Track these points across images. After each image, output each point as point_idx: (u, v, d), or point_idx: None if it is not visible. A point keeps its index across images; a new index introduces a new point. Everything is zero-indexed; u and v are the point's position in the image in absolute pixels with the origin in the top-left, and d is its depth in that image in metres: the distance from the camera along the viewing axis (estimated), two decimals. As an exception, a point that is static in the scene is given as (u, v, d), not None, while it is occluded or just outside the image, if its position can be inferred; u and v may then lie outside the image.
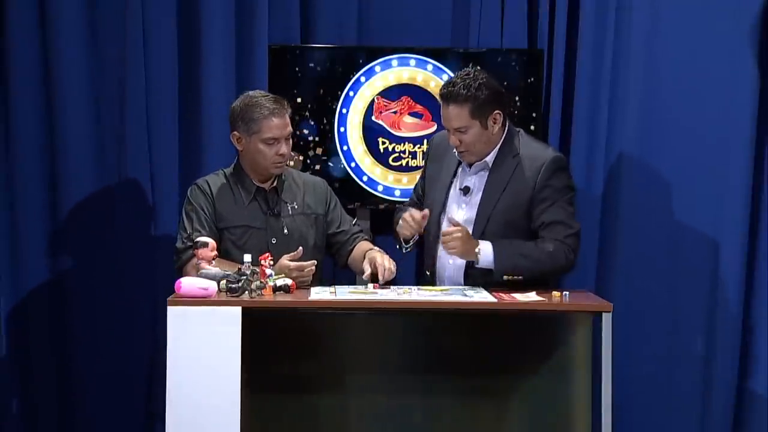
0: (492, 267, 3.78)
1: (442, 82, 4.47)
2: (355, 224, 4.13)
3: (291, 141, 3.98)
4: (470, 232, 3.84)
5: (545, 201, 3.85)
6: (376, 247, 4.00)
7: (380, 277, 3.77)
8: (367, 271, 3.81)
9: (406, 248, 3.96)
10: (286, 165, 4.03)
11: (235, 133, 3.95)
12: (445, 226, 3.90)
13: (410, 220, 3.87)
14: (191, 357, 3.46)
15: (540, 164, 3.87)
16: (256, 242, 3.90)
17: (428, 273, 3.98)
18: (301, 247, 3.82)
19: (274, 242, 3.93)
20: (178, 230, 3.96)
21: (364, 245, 4.03)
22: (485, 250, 3.78)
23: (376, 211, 4.57)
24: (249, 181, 3.98)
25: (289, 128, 3.94)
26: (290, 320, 3.71)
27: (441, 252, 3.93)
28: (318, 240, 4.03)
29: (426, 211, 3.88)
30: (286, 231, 3.97)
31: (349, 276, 4.30)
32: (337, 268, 4.57)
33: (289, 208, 4.00)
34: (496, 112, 3.87)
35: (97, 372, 4.53)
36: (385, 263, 3.80)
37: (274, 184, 4.00)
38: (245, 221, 3.94)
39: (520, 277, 3.79)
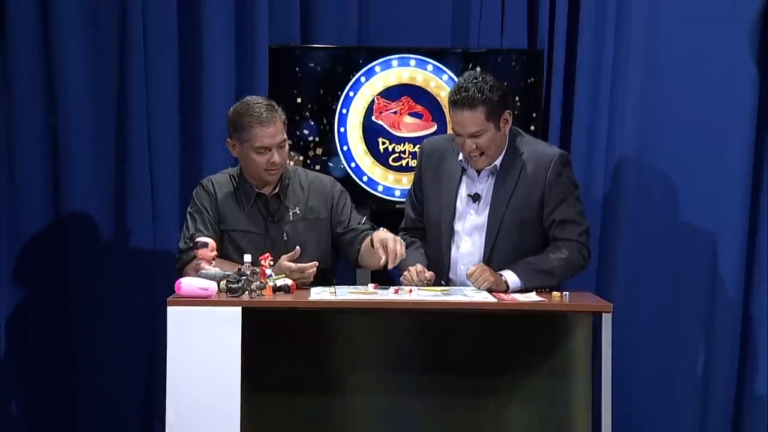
0: (521, 288, 3.81)
1: (443, 83, 4.50)
2: (364, 222, 4.07)
3: (286, 148, 3.94)
4: (482, 236, 3.90)
5: (555, 198, 3.88)
6: (383, 229, 3.90)
7: (390, 263, 3.73)
8: (383, 257, 3.73)
9: None
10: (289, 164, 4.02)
11: (229, 140, 3.95)
12: (455, 258, 3.94)
13: (414, 277, 3.84)
14: (191, 357, 3.46)
15: (548, 161, 3.90)
16: (254, 248, 3.86)
17: (443, 282, 3.96)
18: (298, 247, 3.81)
19: (272, 249, 3.90)
20: (182, 231, 3.96)
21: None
22: (511, 279, 3.80)
23: (376, 212, 4.57)
24: (249, 187, 3.97)
25: (281, 136, 3.90)
26: (290, 320, 3.70)
27: (453, 257, 3.95)
28: (321, 244, 4.00)
29: (432, 274, 3.86)
30: (285, 238, 3.95)
31: (349, 276, 4.30)
32: (343, 269, 4.58)
33: (291, 213, 3.99)
34: (507, 112, 3.90)
35: (97, 372, 4.53)
36: (397, 248, 3.73)
37: (276, 189, 3.98)
38: (245, 226, 3.94)
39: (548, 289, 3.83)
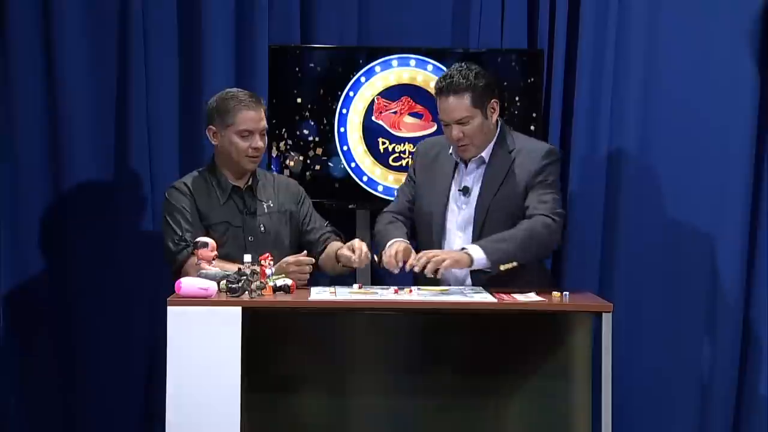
0: (487, 263, 3.75)
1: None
2: (327, 224, 4.13)
3: (266, 138, 3.99)
4: (471, 229, 3.88)
5: (537, 187, 3.87)
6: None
7: (358, 263, 3.82)
8: (352, 256, 3.83)
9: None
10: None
11: (211, 127, 3.98)
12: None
13: (393, 260, 3.79)
14: (191, 357, 3.46)
15: (537, 155, 3.91)
16: (234, 240, 3.91)
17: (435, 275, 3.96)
18: (305, 252, 3.84)
19: (251, 240, 3.93)
20: (165, 234, 3.94)
21: (335, 245, 4.02)
22: (472, 250, 3.74)
23: (376, 212, 4.56)
24: (224, 180, 3.99)
25: (264, 123, 3.97)
26: (290, 320, 3.71)
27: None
28: (293, 238, 4.05)
29: (408, 252, 3.84)
30: (263, 229, 3.98)
31: (349, 276, 4.29)
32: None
33: (265, 206, 4.02)
34: (494, 100, 3.92)
35: (98, 372, 4.53)
36: (363, 248, 3.83)
37: (249, 183, 4.01)
38: (225, 217, 3.96)
39: (515, 264, 3.76)
